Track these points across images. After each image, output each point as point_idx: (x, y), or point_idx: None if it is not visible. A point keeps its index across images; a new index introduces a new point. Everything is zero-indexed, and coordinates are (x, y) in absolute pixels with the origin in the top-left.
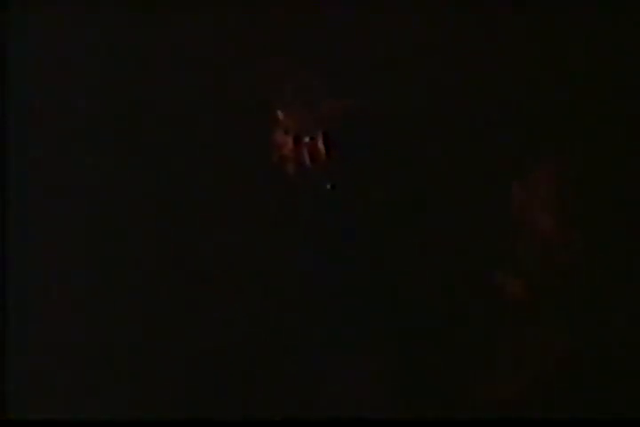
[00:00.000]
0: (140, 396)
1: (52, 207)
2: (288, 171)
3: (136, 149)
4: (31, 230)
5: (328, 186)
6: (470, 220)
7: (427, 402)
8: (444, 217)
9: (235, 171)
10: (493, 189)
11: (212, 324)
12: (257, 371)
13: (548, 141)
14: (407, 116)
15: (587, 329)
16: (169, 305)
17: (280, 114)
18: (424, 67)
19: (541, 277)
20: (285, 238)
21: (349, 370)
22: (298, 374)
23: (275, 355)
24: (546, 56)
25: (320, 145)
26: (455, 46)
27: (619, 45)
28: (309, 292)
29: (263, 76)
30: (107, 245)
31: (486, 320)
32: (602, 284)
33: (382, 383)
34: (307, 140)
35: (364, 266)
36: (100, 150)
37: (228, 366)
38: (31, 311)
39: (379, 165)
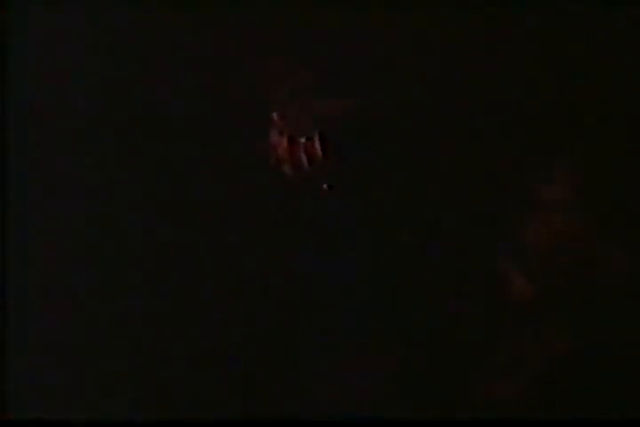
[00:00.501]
0: (140, 396)
1: (52, 207)
2: (286, 172)
3: (136, 148)
4: (31, 230)
5: (325, 186)
6: (470, 220)
7: (427, 402)
8: (444, 217)
9: (234, 171)
10: (493, 189)
11: (211, 324)
12: (257, 371)
13: (548, 141)
14: (406, 116)
15: (587, 329)
16: (169, 305)
17: (275, 115)
18: (424, 67)
19: (542, 277)
20: (285, 238)
21: (349, 370)
22: (298, 374)
23: (274, 355)
24: (546, 56)
25: (317, 146)
26: (455, 46)
27: (619, 45)
28: (309, 292)
29: (263, 76)
30: (107, 245)
31: (486, 320)
32: (603, 284)
33: (382, 383)
34: (303, 140)
35: (364, 266)
36: (100, 150)
37: (227, 366)
38: (31, 311)
39: (377, 165)
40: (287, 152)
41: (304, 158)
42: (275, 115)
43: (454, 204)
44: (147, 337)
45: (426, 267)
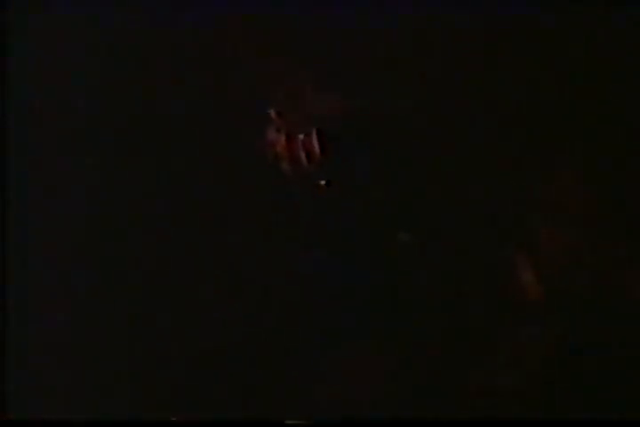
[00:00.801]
0: (140, 396)
1: (52, 207)
2: (285, 169)
3: (136, 148)
4: (31, 230)
5: (322, 182)
6: (470, 220)
7: (427, 402)
8: (444, 217)
9: (233, 169)
10: (493, 189)
11: (211, 324)
12: (257, 371)
13: (548, 141)
14: (406, 116)
15: (587, 329)
16: (169, 305)
17: (273, 112)
18: (424, 67)
19: (542, 277)
20: (284, 236)
21: (349, 370)
22: (298, 374)
23: (274, 355)
24: (546, 56)
25: (315, 142)
26: (455, 46)
27: (619, 45)
28: (309, 291)
29: (263, 76)
30: (107, 245)
31: (486, 320)
32: (603, 284)
33: (382, 383)
34: (301, 137)
35: (364, 265)
36: (100, 150)
37: (227, 366)
38: (31, 311)
39: (377, 164)
40: (285, 149)
41: (302, 155)
42: (272, 112)
43: (454, 204)
44: (147, 337)
45: (426, 267)
